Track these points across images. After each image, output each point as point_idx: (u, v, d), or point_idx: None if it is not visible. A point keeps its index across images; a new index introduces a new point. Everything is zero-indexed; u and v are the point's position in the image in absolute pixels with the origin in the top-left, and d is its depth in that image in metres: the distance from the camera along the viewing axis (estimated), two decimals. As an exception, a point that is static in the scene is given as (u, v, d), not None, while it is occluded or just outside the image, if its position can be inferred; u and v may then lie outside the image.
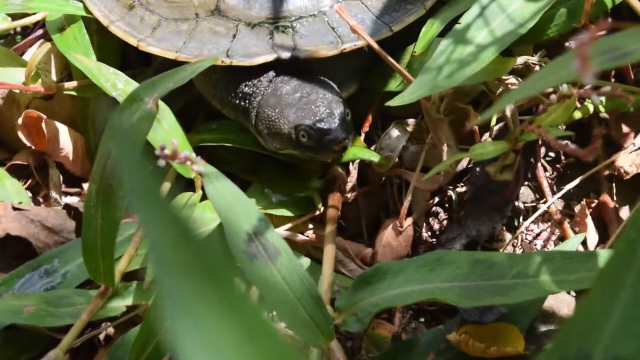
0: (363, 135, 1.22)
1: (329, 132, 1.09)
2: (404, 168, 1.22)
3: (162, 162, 0.92)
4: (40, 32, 1.38)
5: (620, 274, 0.51)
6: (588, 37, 0.64)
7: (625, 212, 1.17)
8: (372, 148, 1.20)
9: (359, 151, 1.18)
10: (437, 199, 1.22)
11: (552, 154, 1.25)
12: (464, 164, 1.22)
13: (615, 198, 1.18)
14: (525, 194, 1.22)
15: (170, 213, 0.42)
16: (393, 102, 1.04)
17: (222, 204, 0.96)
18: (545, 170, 1.23)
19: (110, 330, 1.13)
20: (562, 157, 1.24)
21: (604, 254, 0.93)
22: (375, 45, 1.10)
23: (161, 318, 0.95)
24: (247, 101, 1.17)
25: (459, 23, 1.08)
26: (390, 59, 1.10)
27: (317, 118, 1.10)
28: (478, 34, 1.07)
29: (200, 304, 0.41)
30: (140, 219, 0.44)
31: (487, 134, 1.21)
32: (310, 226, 1.20)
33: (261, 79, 1.17)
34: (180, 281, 0.41)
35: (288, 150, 1.14)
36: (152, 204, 0.42)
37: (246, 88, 1.17)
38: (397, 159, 1.20)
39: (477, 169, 1.20)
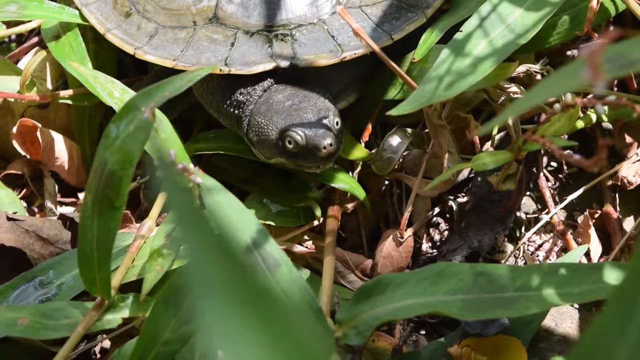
0: (363, 143, 1.21)
1: (314, 138, 1.08)
2: (404, 173, 1.21)
3: (159, 173, 0.91)
4: (35, 39, 1.37)
5: (635, 293, 0.50)
6: (598, 45, 0.63)
7: (629, 223, 1.16)
8: (373, 152, 1.19)
9: (345, 178, 1.17)
10: (437, 209, 1.21)
11: (554, 164, 1.24)
12: (465, 173, 1.21)
13: (618, 209, 1.17)
14: (528, 204, 1.21)
15: (212, 235, 0.41)
16: (394, 112, 1.03)
17: (220, 215, 0.95)
18: (548, 180, 1.22)
19: (107, 342, 1.12)
20: (565, 167, 1.23)
21: (608, 267, 0.92)
22: (377, 48, 1.09)
23: (159, 331, 0.94)
24: (240, 109, 1.15)
25: (460, 31, 1.07)
26: (392, 64, 1.09)
27: (303, 124, 1.09)
28: (478, 44, 1.06)
29: (242, 324, 0.40)
30: (183, 241, 0.43)
31: (488, 143, 1.20)
32: (309, 237, 1.19)
33: (256, 87, 1.15)
34: (222, 302, 0.40)
35: (276, 159, 1.13)
36: (195, 227, 0.41)
37: (241, 96, 1.15)
38: (397, 165, 1.19)
39: (479, 178, 1.19)
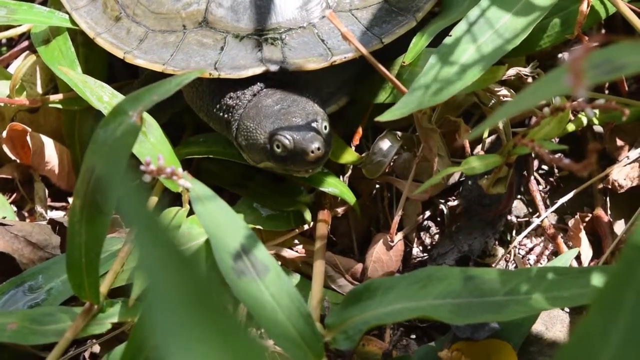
0: (353, 147, 1.21)
1: (302, 142, 1.07)
2: (395, 176, 1.20)
3: (147, 178, 0.91)
4: (25, 44, 1.36)
5: (619, 296, 0.50)
6: (581, 50, 0.62)
7: (619, 227, 1.16)
8: (363, 155, 1.19)
9: (335, 182, 1.16)
10: (428, 213, 1.21)
11: (545, 167, 1.23)
12: (455, 177, 1.21)
13: (609, 212, 1.17)
14: (518, 207, 1.21)
15: (161, 233, 0.41)
16: (383, 117, 1.02)
17: (209, 220, 0.94)
18: (539, 183, 1.21)
19: (96, 347, 1.11)
20: (556, 170, 1.23)
21: (598, 271, 0.92)
22: (366, 52, 1.09)
23: (148, 336, 0.94)
24: (230, 114, 1.15)
25: (450, 35, 1.07)
26: (382, 68, 1.09)
27: (292, 128, 1.09)
28: (466, 50, 1.05)
29: (190, 326, 0.40)
30: (133, 238, 0.43)
31: (479, 147, 1.20)
32: (299, 241, 1.18)
33: (245, 91, 1.15)
34: (170, 304, 0.40)
35: (265, 163, 1.12)
36: (144, 224, 0.41)
37: (230, 100, 1.15)
38: (388, 168, 1.19)
39: (469, 182, 1.18)
